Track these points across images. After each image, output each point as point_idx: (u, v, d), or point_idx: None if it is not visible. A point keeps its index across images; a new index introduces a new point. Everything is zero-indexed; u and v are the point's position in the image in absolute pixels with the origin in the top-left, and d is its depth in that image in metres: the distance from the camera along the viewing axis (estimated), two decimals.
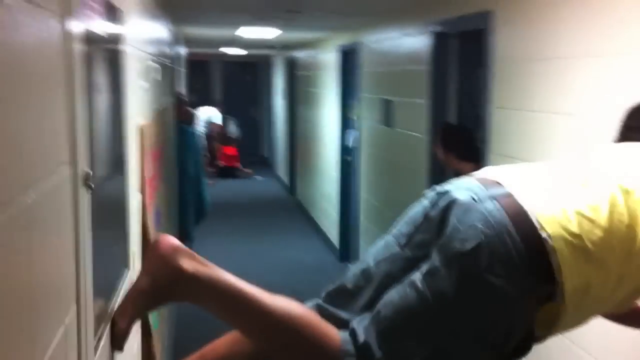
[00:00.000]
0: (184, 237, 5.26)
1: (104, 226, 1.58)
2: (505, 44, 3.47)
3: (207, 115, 12.45)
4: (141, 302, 1.48)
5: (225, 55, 13.92)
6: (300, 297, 1.64)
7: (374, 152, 6.11)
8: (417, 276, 1.41)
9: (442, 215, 1.44)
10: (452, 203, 1.43)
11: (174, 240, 1.48)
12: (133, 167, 2.12)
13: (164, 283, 1.44)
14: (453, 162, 3.83)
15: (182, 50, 8.98)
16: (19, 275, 0.86)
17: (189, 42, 10.12)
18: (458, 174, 4.12)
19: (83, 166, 1.23)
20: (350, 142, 7.03)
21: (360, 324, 1.44)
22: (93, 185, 1.26)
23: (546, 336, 1.49)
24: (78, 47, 1.23)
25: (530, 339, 1.45)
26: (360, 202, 6.61)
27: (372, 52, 6.11)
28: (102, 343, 1.39)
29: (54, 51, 1.08)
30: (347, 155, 7.21)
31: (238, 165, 13.34)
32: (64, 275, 1.11)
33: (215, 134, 12.78)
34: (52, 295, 1.03)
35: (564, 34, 2.88)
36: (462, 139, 3.85)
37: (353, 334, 1.43)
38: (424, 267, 1.41)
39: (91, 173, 1.26)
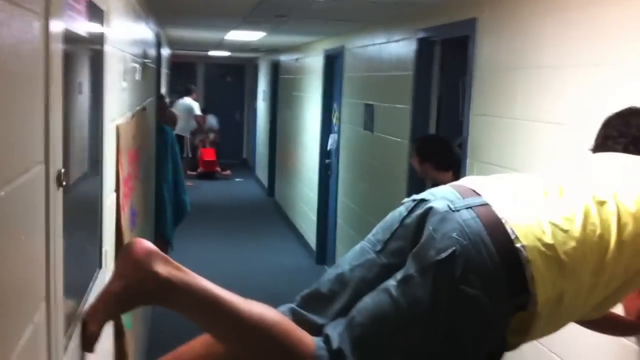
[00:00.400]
0: (161, 238, 5.23)
1: (77, 225, 1.57)
2: (488, 52, 3.49)
3: (187, 106, 12.08)
4: (113, 305, 1.46)
5: (209, 57, 13.89)
6: (277, 299, 1.64)
7: (354, 156, 6.13)
8: (391, 283, 1.42)
9: (418, 223, 1.45)
10: (429, 211, 1.44)
11: (148, 244, 1.47)
12: (109, 166, 2.11)
13: (137, 287, 1.43)
14: (431, 173, 3.84)
15: (166, 52, 8.95)
16: None
17: (173, 44, 10.08)
18: (436, 184, 4.16)
19: (56, 164, 1.22)
20: (330, 146, 7.04)
21: (335, 330, 1.44)
22: (65, 183, 1.26)
23: (519, 343, 1.50)
24: (57, 47, 1.23)
25: (502, 347, 1.46)
26: (339, 205, 6.62)
27: (356, 57, 6.13)
28: (72, 342, 1.39)
29: (32, 51, 1.07)
30: (327, 158, 7.22)
31: (217, 169, 13.42)
32: (33, 273, 1.10)
33: (198, 125, 12.66)
34: (20, 294, 1.02)
35: (547, 44, 2.90)
36: (439, 149, 3.85)
37: (327, 340, 1.43)
38: (399, 275, 1.42)
39: (63, 171, 1.26)
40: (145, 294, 1.44)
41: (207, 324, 1.47)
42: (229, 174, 13.50)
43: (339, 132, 6.70)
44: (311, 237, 7.79)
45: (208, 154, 13.40)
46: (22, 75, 1.02)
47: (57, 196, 1.23)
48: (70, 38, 1.38)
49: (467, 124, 3.69)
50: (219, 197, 11.52)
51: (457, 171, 3.71)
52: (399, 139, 4.80)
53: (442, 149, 3.85)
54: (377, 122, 5.37)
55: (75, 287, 1.50)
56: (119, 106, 2.50)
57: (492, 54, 3.46)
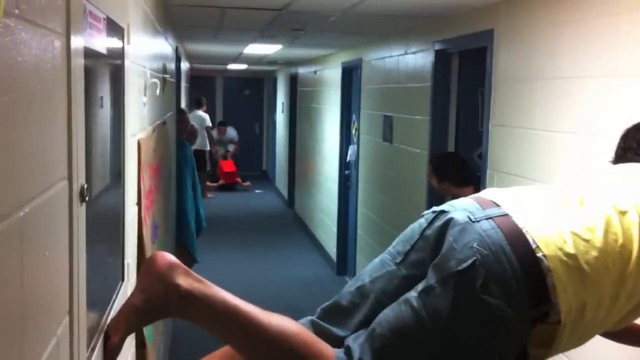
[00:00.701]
0: (184, 252, 5.25)
1: (100, 238, 1.59)
2: (506, 63, 3.49)
3: (201, 118, 12.02)
4: (134, 317, 1.48)
5: (227, 70, 13.99)
6: (297, 310, 1.65)
7: (373, 167, 6.13)
8: (412, 294, 1.42)
9: (439, 234, 1.45)
10: (449, 222, 1.44)
11: (169, 257, 1.48)
12: (130, 180, 2.13)
13: (159, 300, 1.44)
14: (451, 190, 3.83)
15: (185, 66, 9.02)
16: (10, 288, 0.87)
17: (192, 58, 10.17)
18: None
19: (79, 180, 1.24)
20: (349, 157, 7.05)
21: (356, 341, 1.45)
22: (87, 198, 1.28)
23: (544, 357, 1.49)
24: (78, 65, 1.25)
25: (524, 358, 1.45)
26: (359, 216, 6.62)
27: (373, 69, 6.15)
28: (95, 355, 1.40)
29: (54, 69, 1.09)
30: (347, 169, 7.23)
31: (238, 180, 13.45)
32: (56, 287, 1.12)
33: (209, 136, 12.53)
34: (44, 307, 1.04)
35: (565, 54, 2.90)
36: (455, 166, 3.85)
37: (348, 352, 1.44)
38: (420, 286, 1.42)
39: (86, 186, 1.28)
40: (166, 307, 1.45)
41: (228, 335, 1.48)
42: (249, 185, 13.56)
43: (358, 144, 6.71)
44: (331, 248, 7.79)
45: (228, 165, 13.45)
46: (44, 93, 1.05)
47: (80, 211, 1.25)
48: (90, 55, 1.41)
49: (486, 134, 3.68)
50: (239, 209, 11.56)
51: (477, 184, 3.71)
52: (418, 150, 4.80)
53: (458, 165, 3.85)
54: (396, 134, 5.37)
55: (98, 300, 1.52)
56: (139, 121, 2.53)
57: (509, 65, 3.46)
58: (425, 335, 1.38)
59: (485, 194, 1.56)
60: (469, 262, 1.36)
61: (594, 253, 1.41)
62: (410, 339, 1.40)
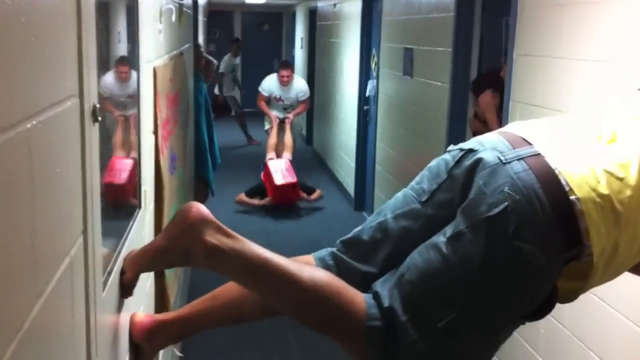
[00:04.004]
0: (202, 182, 5.24)
1: None
2: None
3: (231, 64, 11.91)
4: (152, 259, 1.48)
5: (246, 5, 13.77)
6: (316, 245, 1.62)
7: (393, 102, 6.05)
8: (441, 239, 1.38)
9: (467, 175, 1.40)
10: (478, 163, 1.38)
11: (203, 210, 1.45)
12: (146, 106, 2.10)
13: (181, 250, 1.43)
14: (493, 111, 3.80)
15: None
16: (19, 200, 0.84)
17: None
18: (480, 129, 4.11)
19: (91, 99, 1.21)
20: (368, 92, 6.96)
21: (384, 286, 1.42)
22: (100, 119, 1.24)
23: (575, 295, 1.46)
24: None
25: (553, 299, 1.42)
26: (377, 152, 6.58)
27: (395, 0, 6.00)
28: (111, 278, 1.39)
29: None
30: (366, 105, 7.15)
31: (301, 195, 7.40)
32: (69, 206, 1.10)
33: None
34: (55, 225, 1.02)
35: None
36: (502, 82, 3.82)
37: (377, 297, 1.41)
38: (449, 230, 1.38)
39: (99, 107, 1.24)
40: (187, 258, 1.44)
41: (259, 288, 1.45)
42: (319, 196, 7.51)
43: (377, 78, 6.61)
44: (350, 183, 7.78)
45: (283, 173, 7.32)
46: (53, 11, 1.00)
47: (93, 131, 1.22)
48: None
49: (510, 65, 3.58)
50: (258, 146, 11.53)
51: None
52: (439, 83, 4.71)
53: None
54: (417, 67, 5.27)
55: (115, 225, 1.50)
56: (155, 48, 2.48)
57: None
58: (455, 282, 1.35)
59: (514, 128, 1.48)
60: (501, 207, 1.31)
61: (628, 192, 1.35)
62: (440, 285, 1.36)
